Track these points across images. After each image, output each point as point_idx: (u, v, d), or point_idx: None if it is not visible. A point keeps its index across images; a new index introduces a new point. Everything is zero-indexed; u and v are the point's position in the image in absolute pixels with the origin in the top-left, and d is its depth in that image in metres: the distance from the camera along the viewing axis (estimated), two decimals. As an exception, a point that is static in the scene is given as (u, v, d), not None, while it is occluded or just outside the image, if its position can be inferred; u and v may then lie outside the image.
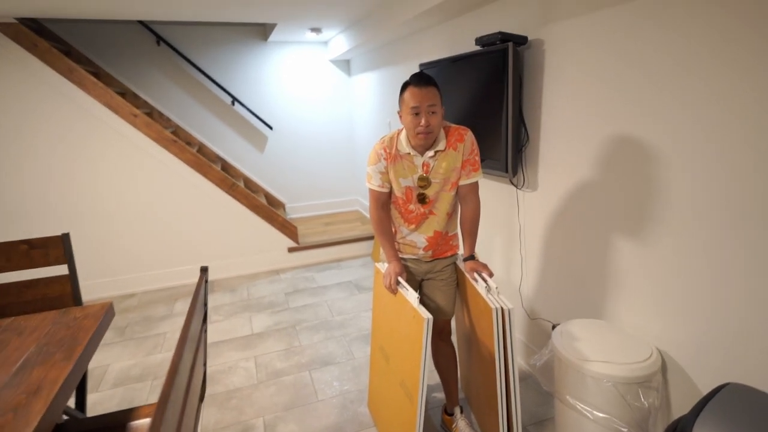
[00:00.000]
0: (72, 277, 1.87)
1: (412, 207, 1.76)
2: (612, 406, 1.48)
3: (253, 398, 2.32)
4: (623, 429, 1.46)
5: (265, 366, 2.61)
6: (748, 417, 1.05)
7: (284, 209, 5.23)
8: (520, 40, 2.02)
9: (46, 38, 3.77)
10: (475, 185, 1.76)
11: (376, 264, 1.95)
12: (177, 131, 4.56)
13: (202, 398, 1.50)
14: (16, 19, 3.19)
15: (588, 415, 1.51)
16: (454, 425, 1.96)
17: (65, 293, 1.86)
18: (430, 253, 1.82)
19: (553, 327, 2.08)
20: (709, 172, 1.36)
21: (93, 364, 2.71)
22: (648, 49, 1.50)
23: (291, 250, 4.14)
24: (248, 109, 4.76)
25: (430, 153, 1.67)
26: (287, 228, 4.09)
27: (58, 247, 1.83)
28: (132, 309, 3.48)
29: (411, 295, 1.62)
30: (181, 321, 3.22)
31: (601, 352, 1.55)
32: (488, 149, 2.24)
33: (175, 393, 0.88)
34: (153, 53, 4.40)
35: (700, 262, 1.42)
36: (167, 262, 3.84)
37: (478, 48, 2.22)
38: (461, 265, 1.85)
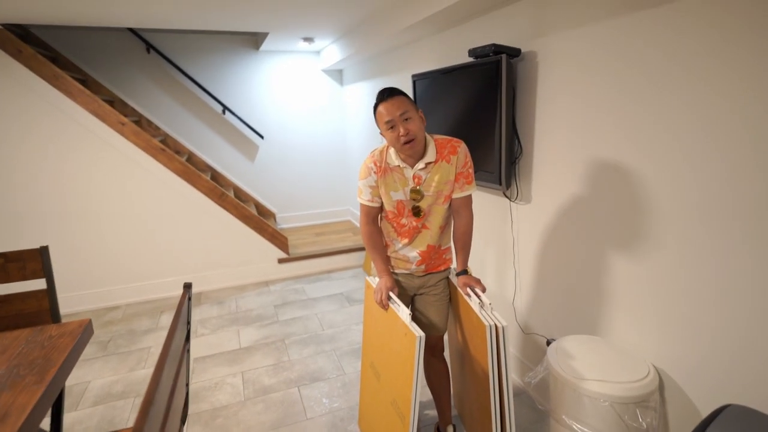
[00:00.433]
0: (50, 292, 1.79)
1: (404, 221, 1.72)
2: (609, 426, 1.44)
3: (240, 416, 2.24)
4: (621, 451, 1.42)
5: (252, 382, 2.53)
6: (751, 442, 1.01)
7: (275, 219, 5.17)
8: (514, 52, 2.00)
9: (32, 44, 3.71)
10: (469, 198, 1.73)
11: (367, 278, 1.90)
12: (166, 140, 4.49)
13: (183, 420, 1.43)
14: (1, 24, 3.13)
15: (585, 436, 1.46)
16: (446, 445, 1.91)
17: (42, 309, 1.78)
18: (423, 267, 1.78)
19: (548, 342, 2.04)
20: (703, 187, 1.34)
21: (73, 381, 2.61)
22: (641, 64, 1.49)
23: (281, 261, 4.07)
24: (239, 118, 4.72)
25: (421, 165, 1.64)
26: (277, 238, 4.03)
27: (36, 261, 1.75)
28: (116, 322, 3.38)
29: (403, 312, 1.57)
30: (165, 334, 3.12)
31: (598, 371, 1.51)
32: (481, 161, 2.21)
33: (154, 417, 0.83)
34: (143, 61, 4.34)
35: (697, 278, 1.40)
36: (153, 273, 3.75)
37: (471, 60, 2.20)
38: (454, 279, 1.81)
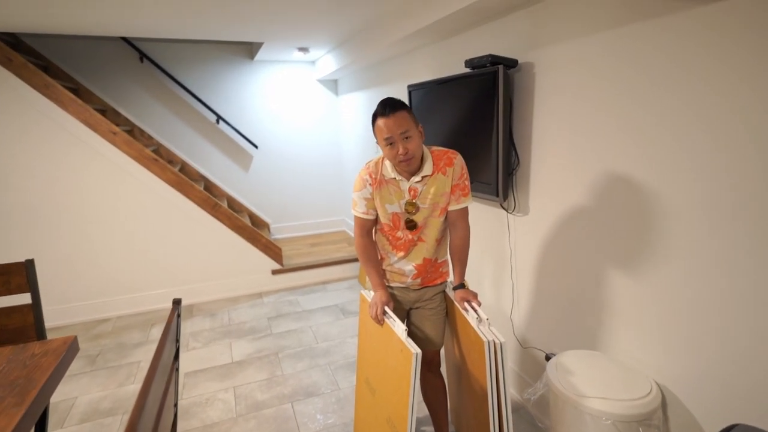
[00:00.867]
0: (35, 306, 1.74)
1: (399, 234, 1.69)
2: (612, 445, 1.40)
3: (231, 434, 2.18)
4: (624, 471, 1.38)
5: (244, 397, 2.47)
6: (761, 466, 0.98)
7: (269, 230, 5.11)
8: (511, 63, 1.99)
9: (23, 53, 3.67)
10: (465, 211, 1.70)
11: (362, 291, 1.86)
12: (159, 149, 4.45)
13: (171, 442, 1.38)
14: (-8, 33, 3.09)
15: (587, 455, 1.42)
16: (444, 463, 1.85)
17: (27, 324, 1.73)
18: (418, 281, 1.75)
19: (547, 357, 2.00)
20: (708, 195, 1.32)
21: (59, 397, 2.53)
22: (640, 74, 1.47)
23: (275, 272, 4.02)
24: (233, 128, 4.68)
25: (417, 178, 1.61)
26: (271, 249, 3.98)
27: (21, 275, 1.70)
28: (105, 335, 3.30)
29: (398, 327, 1.53)
30: (154, 353, 3.05)
31: (599, 388, 1.47)
32: (478, 172, 2.19)
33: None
34: (136, 70, 4.31)
35: (700, 291, 1.37)
36: (144, 284, 3.68)
37: (467, 70, 2.19)
38: (451, 293, 1.78)
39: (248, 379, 2.65)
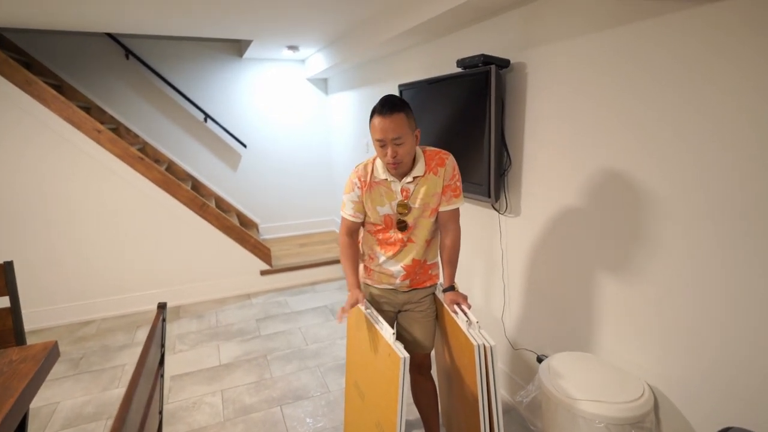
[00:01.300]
0: (14, 311, 1.68)
1: (390, 233, 1.67)
2: (604, 448, 1.39)
3: (218, 439, 2.14)
4: (616, 474, 1.37)
5: (232, 401, 2.43)
6: (755, 470, 0.97)
7: (257, 230, 5.06)
8: (503, 63, 1.98)
9: (5, 49, 3.57)
10: (456, 212, 1.68)
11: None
12: (145, 148, 4.36)
13: (156, 450, 1.34)
14: (-29, 28, 3.00)
15: (579, 459, 1.41)
16: (435, 467, 1.84)
17: (5, 329, 1.66)
18: (407, 282, 1.72)
19: (538, 359, 2.00)
20: (699, 197, 1.32)
21: (40, 402, 2.46)
22: (631, 75, 1.47)
23: (263, 273, 3.97)
24: (221, 127, 4.62)
25: (408, 179, 1.60)
26: (260, 250, 3.93)
27: (-1, 277, 1.64)
28: (89, 338, 3.23)
29: (386, 331, 1.51)
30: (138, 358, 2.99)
31: (592, 390, 1.46)
32: (470, 173, 2.17)
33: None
34: (121, 67, 4.23)
35: (692, 292, 1.37)
36: (130, 286, 3.60)
37: (459, 70, 2.17)
38: (440, 295, 1.76)
39: (236, 382, 2.61)
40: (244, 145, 4.79)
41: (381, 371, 1.54)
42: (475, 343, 1.46)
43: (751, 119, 1.16)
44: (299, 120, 5.07)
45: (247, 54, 4.36)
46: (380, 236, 1.69)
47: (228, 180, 4.87)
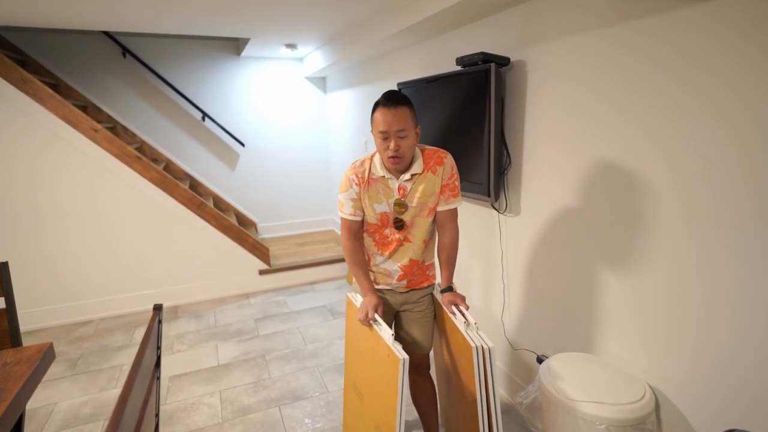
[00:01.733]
0: (10, 312, 1.66)
1: (387, 232, 1.65)
2: (605, 450, 1.38)
3: (217, 440, 2.13)
4: (617, 476, 1.36)
5: (230, 402, 2.41)
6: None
7: (256, 229, 5.04)
8: (503, 61, 1.96)
9: (0, 47, 3.55)
10: (454, 212, 1.67)
11: (349, 294, 1.82)
12: (143, 147, 4.34)
13: (153, 453, 1.32)
14: (-34, 26, 2.98)
15: (580, 460, 1.40)
16: (434, 468, 1.83)
17: (1, 331, 1.65)
18: (404, 282, 1.71)
19: (538, 359, 1.99)
20: (704, 197, 1.30)
21: (38, 403, 2.45)
22: (633, 72, 1.46)
23: (262, 272, 3.95)
24: (219, 125, 4.60)
25: (406, 176, 1.58)
26: (258, 249, 3.91)
27: (-6, 279, 1.62)
28: (87, 338, 3.21)
29: (385, 332, 1.50)
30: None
31: (592, 392, 1.45)
32: (469, 172, 2.16)
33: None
34: (119, 66, 4.20)
35: (694, 291, 1.36)
36: (128, 286, 3.59)
37: (458, 68, 2.16)
38: (438, 296, 1.75)
39: (234, 382, 2.60)
40: (243, 144, 4.77)
41: (380, 372, 1.53)
42: (473, 345, 1.45)
43: (754, 115, 1.15)
44: (298, 119, 5.04)
45: (245, 52, 4.33)
46: (376, 236, 1.67)
47: (226, 179, 4.85)
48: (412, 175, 1.59)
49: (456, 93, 2.19)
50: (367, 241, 1.72)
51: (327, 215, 5.41)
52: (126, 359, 2.90)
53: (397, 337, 1.82)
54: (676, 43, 1.32)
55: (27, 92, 3.06)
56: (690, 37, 1.28)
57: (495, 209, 2.24)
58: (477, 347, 1.45)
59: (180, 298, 3.74)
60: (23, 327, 3.32)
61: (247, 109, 4.78)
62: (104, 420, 2.30)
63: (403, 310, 1.77)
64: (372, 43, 2.89)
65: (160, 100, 4.40)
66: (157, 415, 1.29)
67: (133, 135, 4.32)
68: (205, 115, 4.51)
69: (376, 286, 1.74)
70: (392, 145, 1.49)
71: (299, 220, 5.30)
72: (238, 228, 3.84)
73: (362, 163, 1.63)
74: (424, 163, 1.60)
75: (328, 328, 3.24)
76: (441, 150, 1.65)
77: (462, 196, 2.32)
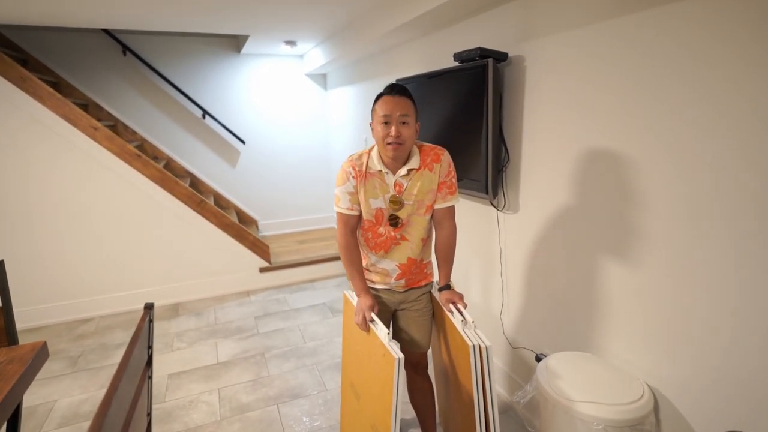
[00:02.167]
0: (6, 310, 1.66)
1: (381, 230, 1.63)
2: (602, 450, 1.36)
3: (214, 438, 2.12)
4: (615, 477, 1.34)
5: (229, 400, 2.41)
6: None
7: (257, 226, 5.04)
8: (500, 57, 1.94)
9: (1, 46, 3.55)
10: (452, 209, 1.64)
11: (346, 292, 1.80)
12: (143, 145, 4.34)
13: (146, 452, 1.32)
14: (-35, 24, 2.98)
15: (577, 461, 1.38)
16: (432, 467, 1.81)
17: (-4, 329, 1.65)
18: (403, 281, 1.69)
19: (537, 358, 1.97)
20: (708, 194, 1.28)
21: (38, 401, 2.46)
22: (634, 66, 1.43)
23: (262, 270, 3.95)
24: (220, 123, 4.59)
25: (403, 171, 1.56)
26: (258, 247, 3.91)
27: (-11, 277, 1.62)
28: (88, 335, 3.22)
29: (381, 331, 1.48)
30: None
31: (590, 391, 1.43)
32: (467, 169, 2.14)
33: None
34: (119, 63, 4.20)
35: (696, 290, 1.33)
36: (129, 283, 3.59)
37: (456, 64, 2.13)
38: (436, 294, 1.73)
39: (233, 380, 2.59)
40: (243, 142, 4.76)
41: (376, 373, 1.52)
42: (470, 344, 1.43)
43: (755, 108, 1.12)
44: (298, 116, 5.03)
45: (245, 49, 4.32)
46: (370, 234, 1.65)
47: (227, 176, 4.84)
48: (409, 171, 1.57)
49: (454, 89, 2.17)
50: (361, 239, 1.70)
51: (328, 212, 5.40)
52: (126, 357, 2.90)
53: (396, 336, 1.81)
54: (677, 35, 1.29)
55: (26, 90, 3.06)
56: (691, 29, 1.25)
57: (493, 206, 2.22)
58: (474, 346, 1.43)
59: (181, 296, 3.75)
60: (26, 324, 3.34)
61: (247, 107, 4.77)
62: (103, 418, 2.30)
63: (402, 309, 1.75)
64: (371, 39, 2.87)
65: (160, 97, 4.39)
66: (149, 414, 1.28)
67: (134, 133, 4.32)
68: (205, 112, 4.50)
69: (374, 286, 1.73)
70: (393, 130, 1.48)
71: (300, 217, 5.29)
72: (239, 226, 3.83)
73: (360, 156, 1.61)
74: (421, 159, 1.58)
75: (327, 326, 3.23)
76: (438, 147, 1.63)
77: (460, 193, 2.31)
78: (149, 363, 1.26)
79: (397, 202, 1.58)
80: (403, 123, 1.49)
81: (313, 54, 4.37)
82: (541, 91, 1.84)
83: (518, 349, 2.19)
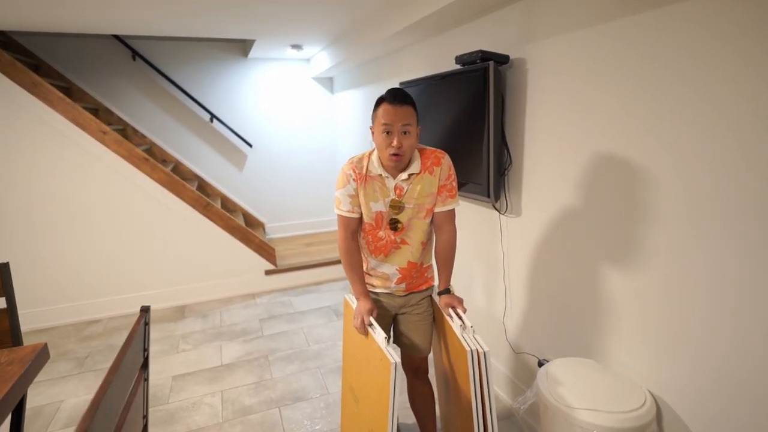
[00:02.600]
0: (10, 311, 1.68)
1: (381, 234, 1.62)
2: (602, 459, 1.33)
3: (216, 441, 2.13)
4: (615, 486, 1.31)
5: (231, 402, 2.42)
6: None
7: (264, 229, 5.06)
8: (502, 59, 1.92)
9: (14, 52, 3.63)
10: (452, 213, 1.63)
11: (346, 296, 1.80)
12: (152, 148, 4.40)
13: (143, 454, 1.32)
14: (-21, 31, 3.05)
15: (576, 469, 1.36)
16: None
17: (2, 330, 1.67)
18: (403, 286, 1.68)
19: (539, 363, 1.94)
20: (711, 198, 1.25)
21: (45, 401, 2.49)
22: (637, 67, 1.41)
23: (268, 272, 3.96)
24: (227, 127, 4.63)
25: (404, 176, 1.55)
26: (264, 250, 3.92)
27: (-6, 279, 1.64)
28: (95, 336, 3.26)
29: (379, 335, 1.47)
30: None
31: (590, 399, 1.41)
32: (470, 172, 2.12)
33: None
34: (128, 68, 4.26)
35: (696, 291, 1.30)
36: (136, 285, 3.63)
37: (458, 67, 2.12)
38: (436, 298, 1.71)
39: (237, 382, 2.60)
40: (250, 145, 4.80)
41: (374, 377, 1.51)
42: (468, 349, 1.42)
43: (755, 108, 1.09)
44: (305, 119, 5.05)
45: (252, 53, 4.35)
46: (369, 237, 1.65)
47: (234, 180, 4.88)
48: (410, 175, 1.56)
49: (456, 92, 2.16)
50: (361, 242, 1.69)
51: (334, 215, 5.39)
52: (132, 358, 2.93)
53: (396, 340, 1.80)
54: (677, 35, 1.27)
55: (38, 95, 3.12)
56: (691, 30, 1.23)
57: (496, 210, 2.20)
58: (472, 351, 1.42)
59: (187, 298, 3.78)
60: (35, 325, 3.39)
61: (254, 110, 4.81)
62: (107, 419, 2.33)
63: (402, 313, 1.74)
64: (376, 41, 2.87)
65: (169, 101, 4.45)
66: (145, 417, 1.29)
67: (143, 137, 4.38)
68: (213, 116, 4.54)
69: (375, 290, 1.72)
70: (395, 141, 1.46)
71: (307, 220, 5.30)
72: (245, 228, 3.85)
73: (360, 159, 1.60)
74: (421, 163, 1.57)
75: (332, 329, 3.23)
76: (438, 150, 1.62)
77: (462, 196, 2.31)
78: (145, 365, 1.26)
79: (397, 205, 1.58)
80: (405, 132, 1.47)
81: (319, 57, 4.39)
82: (543, 93, 1.82)
83: (521, 354, 2.16)
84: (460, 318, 1.55)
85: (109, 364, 2.85)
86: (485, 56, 1.91)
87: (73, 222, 3.38)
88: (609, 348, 1.64)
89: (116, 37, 4.11)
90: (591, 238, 1.67)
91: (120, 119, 4.27)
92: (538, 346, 2.04)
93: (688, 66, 1.25)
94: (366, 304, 1.57)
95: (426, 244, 1.67)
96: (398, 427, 2.12)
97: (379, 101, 1.52)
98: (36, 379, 2.68)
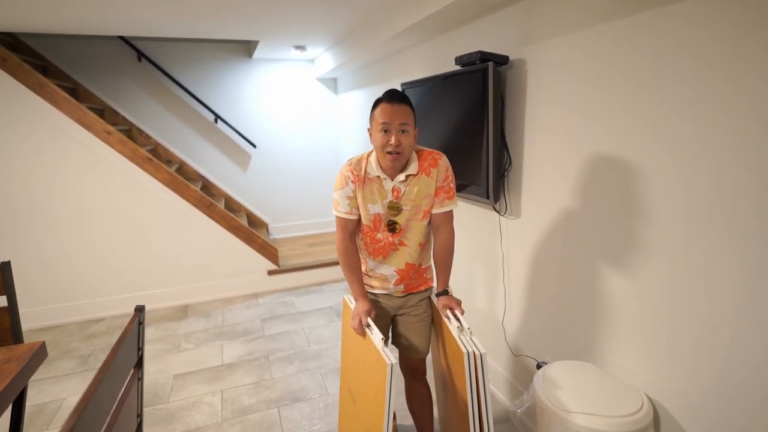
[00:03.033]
0: (11, 310, 1.70)
1: (380, 236, 1.62)
2: (599, 464, 1.32)
3: (214, 440, 2.14)
4: (611, 492, 1.30)
5: (231, 402, 2.42)
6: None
7: (267, 230, 5.08)
8: (501, 60, 1.91)
9: (22, 53, 3.68)
10: (450, 214, 1.62)
11: (345, 297, 1.80)
12: (157, 149, 4.43)
13: (138, 453, 1.33)
14: (-13, 32, 3.09)
15: (572, 474, 1.34)
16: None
17: (3, 328, 1.69)
18: (401, 287, 1.67)
19: (538, 366, 1.93)
20: (712, 199, 1.23)
21: (48, 398, 2.51)
22: (638, 68, 1.39)
23: (271, 273, 3.97)
24: (231, 127, 4.65)
25: (401, 177, 1.55)
26: (267, 250, 3.93)
27: (-5, 277, 1.66)
28: (99, 335, 3.29)
29: (376, 336, 1.47)
30: (150, 348, 3.03)
31: (587, 403, 1.39)
32: (469, 174, 2.11)
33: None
34: (134, 69, 4.29)
35: (700, 301, 1.28)
36: (140, 284, 3.66)
37: (458, 68, 2.11)
38: (435, 300, 1.71)
39: (237, 382, 2.61)
40: (254, 146, 4.81)
41: (370, 378, 1.50)
42: (464, 350, 1.41)
43: (755, 108, 1.08)
44: (309, 119, 5.06)
45: (256, 54, 4.37)
46: (367, 239, 1.64)
47: (238, 180, 4.90)
48: (407, 177, 1.56)
49: (456, 93, 2.15)
50: (359, 244, 1.69)
51: (339, 216, 5.40)
52: (134, 357, 2.95)
53: (395, 341, 1.80)
54: (677, 35, 1.25)
55: (44, 96, 3.16)
56: (691, 29, 1.21)
57: (495, 211, 2.18)
58: (468, 353, 1.40)
59: (190, 298, 3.79)
60: (39, 324, 3.42)
61: (258, 111, 4.83)
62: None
63: (401, 314, 1.74)
64: (378, 43, 2.87)
65: (173, 102, 4.48)
66: (139, 416, 1.29)
67: (148, 137, 4.41)
68: (217, 116, 4.57)
69: (373, 291, 1.72)
70: (393, 140, 1.46)
71: (311, 220, 5.31)
72: (247, 228, 3.87)
73: (359, 161, 1.60)
74: (419, 165, 1.57)
75: (333, 330, 3.23)
76: (436, 151, 1.61)
77: (462, 198, 2.30)
78: (139, 365, 1.27)
79: (395, 207, 1.57)
80: (403, 131, 1.47)
81: (323, 58, 4.40)
82: (543, 94, 1.80)
83: (520, 357, 2.14)
84: (457, 319, 1.54)
85: (111, 363, 2.87)
86: (484, 57, 1.90)
87: (77, 221, 3.41)
88: (607, 351, 1.63)
89: (122, 38, 4.15)
90: (591, 240, 1.65)
91: (126, 120, 4.31)
92: (537, 349, 2.02)
93: (688, 66, 1.23)
94: (364, 305, 1.57)
95: (424, 246, 1.67)
96: (396, 428, 2.11)
97: (377, 102, 1.53)
98: (39, 377, 2.71)
